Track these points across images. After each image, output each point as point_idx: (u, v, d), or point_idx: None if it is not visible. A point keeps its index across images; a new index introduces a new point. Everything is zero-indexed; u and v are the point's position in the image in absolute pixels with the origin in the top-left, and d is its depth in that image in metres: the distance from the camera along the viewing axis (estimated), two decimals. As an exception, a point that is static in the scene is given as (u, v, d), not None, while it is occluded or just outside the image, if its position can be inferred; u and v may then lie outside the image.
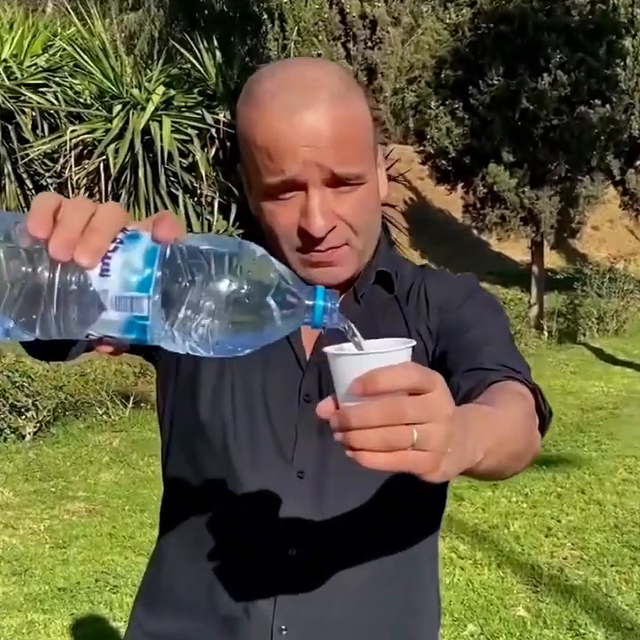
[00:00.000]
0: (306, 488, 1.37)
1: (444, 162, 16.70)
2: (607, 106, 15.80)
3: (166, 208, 13.11)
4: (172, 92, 13.62)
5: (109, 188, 12.98)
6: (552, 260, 21.80)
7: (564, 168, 16.09)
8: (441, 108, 16.23)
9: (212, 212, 13.93)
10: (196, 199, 13.91)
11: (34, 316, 0.84)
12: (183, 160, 13.46)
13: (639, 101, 18.28)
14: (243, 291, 0.88)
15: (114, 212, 0.86)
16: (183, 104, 13.76)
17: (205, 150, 13.74)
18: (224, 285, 0.87)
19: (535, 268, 17.52)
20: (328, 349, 0.93)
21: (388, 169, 10.49)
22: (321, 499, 1.37)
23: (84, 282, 0.83)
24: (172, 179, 13.36)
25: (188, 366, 1.43)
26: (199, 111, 13.59)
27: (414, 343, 0.91)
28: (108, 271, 0.84)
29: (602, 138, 16.20)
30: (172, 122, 13.10)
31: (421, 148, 17.02)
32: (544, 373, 12.92)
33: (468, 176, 16.69)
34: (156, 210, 12.89)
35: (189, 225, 13.50)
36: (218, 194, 13.90)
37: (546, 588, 5.17)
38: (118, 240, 0.85)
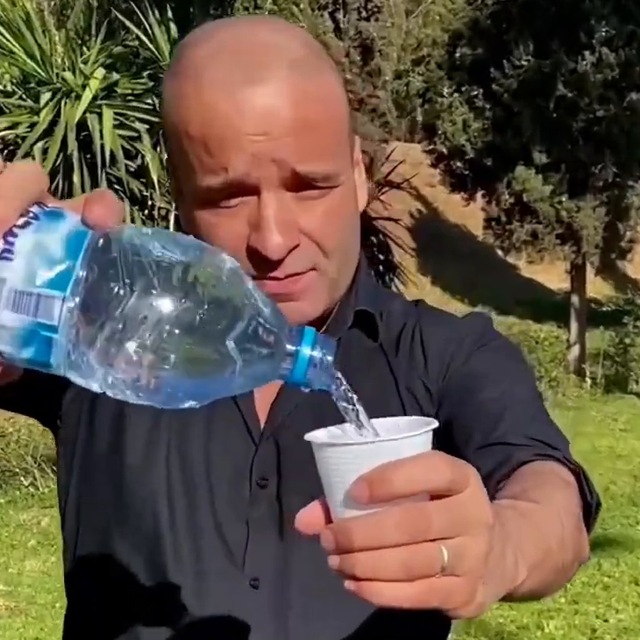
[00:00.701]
0: (262, 601, 1.29)
1: (459, 164, 17.02)
2: None
3: None
4: (115, 76, 13.61)
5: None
6: (596, 287, 22.08)
7: (611, 171, 16.29)
8: (456, 95, 16.51)
9: (167, 228, 14.05)
10: (146, 212, 13.84)
11: None
12: (130, 163, 13.43)
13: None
14: (199, 312, 0.80)
15: (28, 172, 0.80)
16: (129, 91, 13.74)
17: (158, 150, 13.61)
18: (173, 300, 0.79)
19: (575, 299, 17.70)
20: (314, 435, 0.85)
21: (388, 174, 10.63)
22: (282, 616, 1.30)
23: None
24: (116, 186, 13.25)
25: (105, 422, 1.36)
26: (149, 100, 13.45)
27: (436, 424, 0.83)
28: (10, 253, 0.77)
29: None
30: (115, 114, 13.10)
31: (431, 146, 17.32)
32: (587, 431, 13.16)
33: (491, 182, 16.97)
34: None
35: None
36: (174, 205, 13.60)
37: None
38: (31, 214, 0.78)
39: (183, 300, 0.79)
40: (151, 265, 0.79)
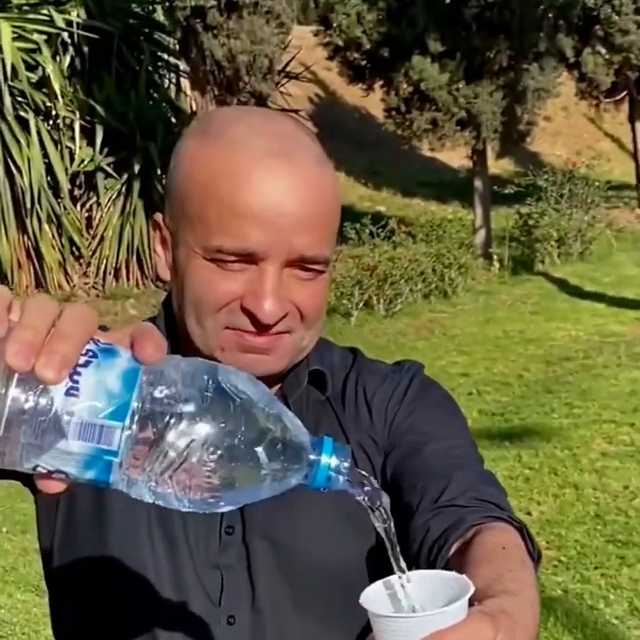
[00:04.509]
0: (239, 635, 1.46)
1: (356, 55, 17.53)
2: None
3: (14, 136, 13.66)
4: None
5: None
6: (498, 164, 22.68)
7: (505, 56, 16.93)
8: None
9: (73, 138, 14.61)
10: (51, 122, 14.48)
11: None
12: (31, 74, 13.97)
13: (593, -35, 19.67)
14: (237, 436, 0.92)
15: (85, 314, 0.89)
16: (25, 2, 14.29)
17: (58, 60, 14.37)
18: (214, 427, 0.91)
19: (478, 183, 18.45)
20: (370, 600, 0.98)
21: (287, 64, 13.75)
22: None
23: (45, 400, 0.84)
24: (20, 98, 13.85)
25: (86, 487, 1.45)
26: (46, 11, 14.18)
27: (473, 590, 0.95)
28: (76, 390, 0.85)
29: (550, 15, 17.31)
30: (13, 26, 13.59)
31: (327, 39, 17.73)
32: (498, 316, 13.98)
33: (388, 72, 17.41)
34: (2, 140, 13.52)
35: (46, 155, 14.03)
36: (78, 114, 14.53)
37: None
38: (90, 353, 0.88)
39: (223, 426, 0.91)
40: (194, 395, 0.91)
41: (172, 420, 0.90)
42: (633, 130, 24.17)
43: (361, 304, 13.99)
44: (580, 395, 9.46)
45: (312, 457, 0.98)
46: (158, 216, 1.51)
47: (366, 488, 1.01)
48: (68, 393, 0.85)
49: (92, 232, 15.30)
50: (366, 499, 1.02)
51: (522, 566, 1.21)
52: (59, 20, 14.12)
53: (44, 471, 0.88)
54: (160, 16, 16.30)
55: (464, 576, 0.98)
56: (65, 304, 0.91)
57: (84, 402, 0.86)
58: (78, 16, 14.49)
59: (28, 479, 1.48)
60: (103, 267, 15.22)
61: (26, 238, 14.50)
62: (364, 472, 1.02)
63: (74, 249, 15.10)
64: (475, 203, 18.57)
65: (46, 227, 14.51)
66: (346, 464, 0.99)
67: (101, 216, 15.21)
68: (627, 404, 9.04)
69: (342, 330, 13.10)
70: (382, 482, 1.49)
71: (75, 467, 0.88)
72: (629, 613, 5.17)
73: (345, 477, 0.99)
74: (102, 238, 15.19)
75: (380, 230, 15.40)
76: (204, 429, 0.90)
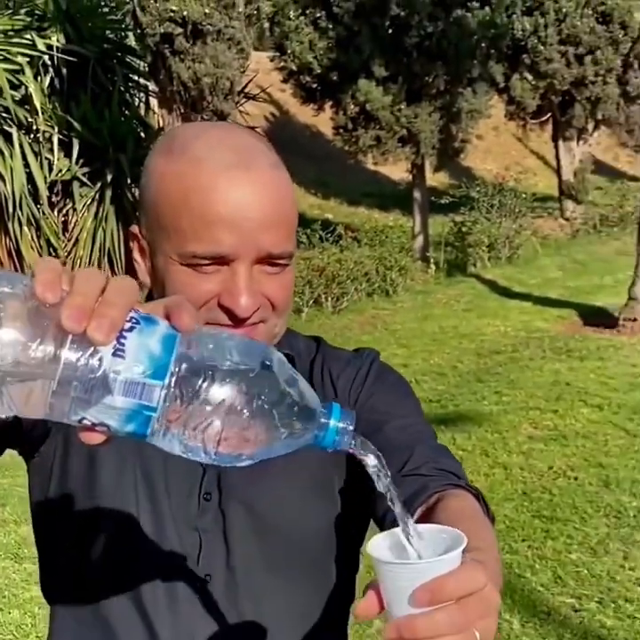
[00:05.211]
0: (216, 590, 1.48)
1: (308, 79, 17.56)
2: (486, 8, 17.01)
3: None
4: None
5: None
6: (435, 177, 22.75)
7: (442, 80, 17.12)
8: (301, 18, 17.01)
9: (51, 150, 14.44)
10: (32, 136, 14.29)
11: (22, 390, 0.88)
12: (14, 93, 13.81)
13: (521, 0, 19.96)
14: (261, 398, 0.94)
15: (128, 285, 0.91)
16: (10, 28, 14.18)
17: (39, 80, 14.21)
18: (240, 390, 0.93)
19: (417, 194, 18.51)
20: (377, 549, 0.99)
21: (245, 85, 12.54)
22: (232, 599, 1.48)
23: (95, 360, 0.87)
24: (4, 114, 13.74)
25: (80, 452, 1.50)
26: (29, 36, 14.04)
27: (466, 541, 0.96)
28: (122, 351, 0.88)
29: (482, 44, 17.41)
30: None
31: (282, 63, 17.73)
32: (434, 313, 14.23)
33: (337, 94, 17.50)
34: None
35: (27, 165, 13.92)
36: (56, 129, 14.39)
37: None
38: (134, 320, 0.90)
39: (249, 388, 0.93)
40: (224, 361, 0.93)
41: (206, 383, 0.92)
42: (556, 148, 24.32)
43: (311, 301, 14.02)
44: (509, 384, 9.54)
45: (322, 420, 1.00)
46: (134, 228, 1.50)
47: (367, 449, 1.03)
48: (115, 354, 0.88)
49: (68, 235, 15.11)
50: (366, 458, 1.03)
51: (484, 527, 1.24)
52: (40, 44, 14.01)
53: (89, 424, 0.91)
54: (132, 41, 16.10)
55: (457, 529, 1.00)
56: (112, 276, 0.93)
57: (129, 362, 0.88)
58: (58, 41, 14.33)
59: (24, 448, 1.55)
60: (77, 266, 14.71)
61: (8, 240, 14.32)
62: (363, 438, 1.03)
63: (51, 250, 14.79)
64: (414, 211, 18.65)
65: (26, 229, 14.34)
66: (350, 428, 1.01)
67: (76, 220, 15.01)
68: (550, 393, 9.17)
69: (294, 325, 12.08)
70: (347, 457, 1.45)
71: (117, 420, 0.90)
72: (553, 581, 5.26)
73: (349, 439, 1.01)
74: (77, 240, 14.99)
75: (329, 235, 15.44)
76: (232, 391, 0.93)
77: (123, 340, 0.88)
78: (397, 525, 1.02)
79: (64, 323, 0.83)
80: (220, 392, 0.92)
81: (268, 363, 0.97)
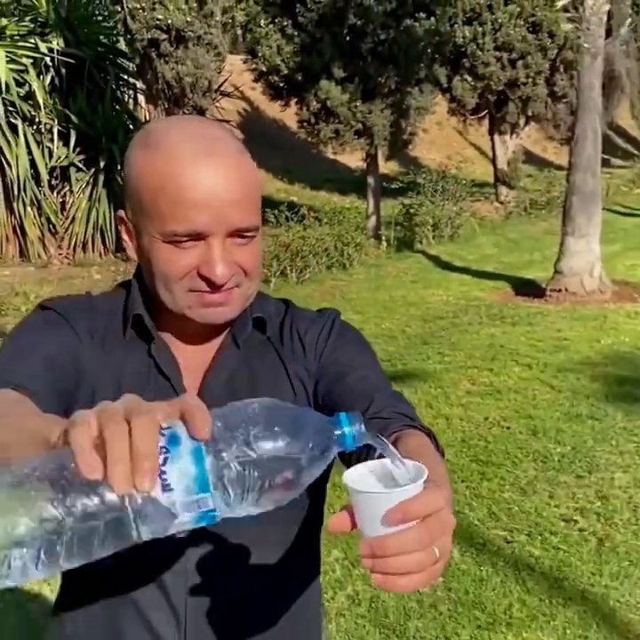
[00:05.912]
0: (203, 541, 1.46)
1: (276, 79, 17.50)
2: (432, 18, 17.07)
3: (6, 137, 14.03)
4: (5, 21, 14.40)
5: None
6: (387, 165, 22.63)
7: (393, 81, 17.15)
8: (271, 26, 16.96)
9: (51, 140, 14.84)
10: (35, 127, 14.69)
11: (81, 549, 0.90)
12: (20, 89, 14.23)
13: (462, 11, 20.27)
14: (290, 449, 0.97)
15: (149, 422, 0.90)
16: (16, 33, 14.56)
17: (41, 78, 14.61)
18: (273, 449, 0.96)
19: (371, 180, 18.52)
20: (352, 480, 1.02)
21: (221, 84, 13.59)
22: (221, 531, 1.45)
23: (152, 501, 0.90)
24: (11, 108, 14.13)
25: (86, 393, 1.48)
26: (32, 40, 14.39)
27: (427, 472, 1.00)
28: (169, 486, 0.90)
29: (428, 50, 17.45)
30: (6, 52, 13.95)
31: (254, 65, 17.73)
32: (385, 284, 13.99)
33: (301, 92, 17.50)
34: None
35: (30, 153, 14.28)
36: (56, 121, 14.77)
37: (396, 508, 5.70)
38: (164, 450, 0.90)
39: (272, 448, 0.96)
40: (241, 438, 0.95)
41: (237, 465, 0.94)
42: (492, 140, 24.42)
43: (278, 273, 13.96)
44: (450, 346, 9.53)
45: (337, 432, 1.02)
46: (121, 212, 1.49)
47: (377, 437, 1.06)
48: (164, 490, 0.91)
49: (65, 214, 15.40)
50: (379, 443, 1.05)
51: (438, 461, 1.26)
52: (42, 47, 14.29)
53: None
54: (123, 46, 16.20)
55: (420, 463, 1.03)
56: (126, 400, 0.94)
57: (177, 491, 0.91)
58: (58, 44, 14.67)
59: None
60: (74, 241, 15.32)
61: (13, 218, 14.71)
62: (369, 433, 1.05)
63: (51, 227, 15.20)
64: (368, 195, 18.56)
65: (29, 209, 14.67)
66: (362, 426, 1.03)
67: (73, 201, 15.34)
68: (486, 354, 9.20)
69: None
70: (315, 404, 1.52)
71: (190, 525, 0.95)
72: (488, 517, 5.31)
73: (363, 434, 1.03)
74: (73, 219, 15.31)
75: (294, 215, 15.26)
76: (264, 453, 0.96)
77: (165, 477, 0.91)
78: (363, 462, 1.09)
79: (118, 491, 0.88)
80: (252, 464, 0.97)
81: (276, 429, 0.99)
